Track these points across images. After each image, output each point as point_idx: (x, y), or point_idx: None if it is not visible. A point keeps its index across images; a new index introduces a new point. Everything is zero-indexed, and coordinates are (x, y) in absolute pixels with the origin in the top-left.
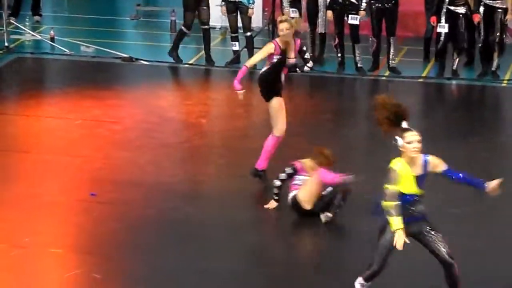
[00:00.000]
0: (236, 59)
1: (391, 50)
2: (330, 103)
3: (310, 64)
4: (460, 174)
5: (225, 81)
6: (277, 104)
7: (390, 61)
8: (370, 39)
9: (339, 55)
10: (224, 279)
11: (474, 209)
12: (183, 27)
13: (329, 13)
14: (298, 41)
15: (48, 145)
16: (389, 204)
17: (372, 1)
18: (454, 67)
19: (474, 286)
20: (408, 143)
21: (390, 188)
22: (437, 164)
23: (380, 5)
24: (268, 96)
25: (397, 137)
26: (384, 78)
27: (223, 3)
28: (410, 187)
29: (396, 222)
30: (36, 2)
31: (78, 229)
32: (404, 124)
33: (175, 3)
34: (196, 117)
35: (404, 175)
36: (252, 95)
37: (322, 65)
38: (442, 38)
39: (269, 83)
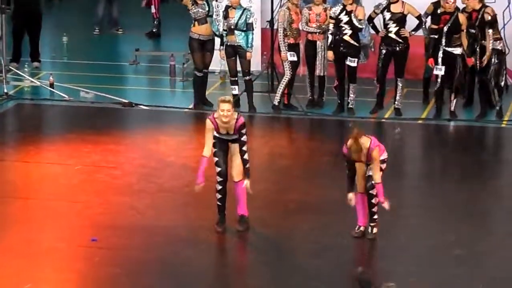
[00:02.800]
0: (236, 103)
1: (398, 92)
2: (329, 146)
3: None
4: None
5: None
6: None
7: (396, 103)
8: (375, 81)
9: (338, 97)
10: None
11: (473, 251)
12: (195, 72)
13: (330, 53)
14: (241, 120)
15: (48, 191)
16: None
17: (382, 45)
18: (452, 108)
19: None
20: None
21: None
22: None
23: (390, 48)
24: None
25: None
26: (383, 120)
27: (222, 47)
28: None
29: None
30: (35, 48)
31: (79, 275)
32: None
33: (174, 48)
34: (196, 162)
35: None
36: (253, 140)
37: (321, 107)
38: (439, 79)
39: None
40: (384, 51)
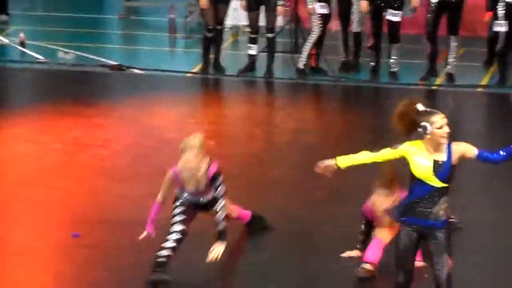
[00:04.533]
0: (251, 65)
1: (451, 53)
2: (367, 120)
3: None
4: (501, 151)
5: (238, 93)
6: None
7: (448, 66)
8: (426, 39)
9: (374, 58)
10: None
11: None
12: (205, 32)
13: (364, 3)
14: (213, 168)
15: (18, 176)
16: None
17: None
18: None
19: None
20: (439, 128)
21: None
22: (465, 150)
23: None
24: None
25: (425, 124)
26: (434, 87)
27: None
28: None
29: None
30: None
31: (58, 279)
32: (421, 107)
33: None
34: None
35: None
36: (272, 112)
37: (357, 72)
38: (501, 38)
39: None
40: (436, 2)
